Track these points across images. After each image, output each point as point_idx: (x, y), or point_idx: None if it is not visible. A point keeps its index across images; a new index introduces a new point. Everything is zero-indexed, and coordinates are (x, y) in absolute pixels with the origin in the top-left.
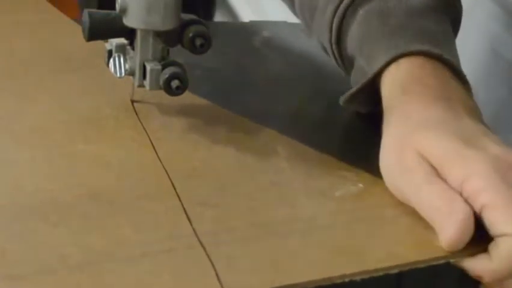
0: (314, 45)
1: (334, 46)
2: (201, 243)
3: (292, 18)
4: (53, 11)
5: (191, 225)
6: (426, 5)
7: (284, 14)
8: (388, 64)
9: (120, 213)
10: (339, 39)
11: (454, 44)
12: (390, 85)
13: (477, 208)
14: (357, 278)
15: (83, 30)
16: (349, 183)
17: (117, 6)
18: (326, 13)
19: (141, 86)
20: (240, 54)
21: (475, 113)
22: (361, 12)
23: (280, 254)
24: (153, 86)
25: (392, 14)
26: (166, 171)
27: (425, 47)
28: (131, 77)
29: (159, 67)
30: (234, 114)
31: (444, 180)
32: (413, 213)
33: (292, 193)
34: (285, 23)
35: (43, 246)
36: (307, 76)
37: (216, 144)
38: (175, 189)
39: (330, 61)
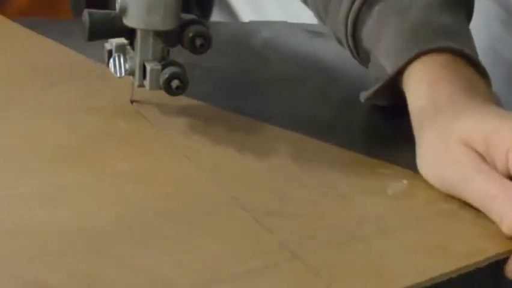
0: (314, 45)
1: (350, 39)
2: (295, 254)
3: (292, 18)
4: (11, 25)
5: (274, 237)
6: (443, 0)
7: (284, 14)
8: (411, 61)
9: (197, 231)
10: (355, 33)
11: (471, 38)
12: (415, 83)
13: None
14: (454, 275)
15: (83, 30)
16: (393, 180)
17: (117, 6)
18: (341, 9)
19: (141, 86)
20: (240, 54)
21: (499, 103)
22: (377, 8)
23: (372, 259)
24: (153, 86)
25: (411, 10)
26: (214, 182)
27: (447, 44)
28: (131, 77)
29: (159, 67)
30: (250, 117)
31: (492, 160)
32: (468, 205)
33: (346, 194)
34: (285, 23)
35: (143, 271)
36: (308, 76)
37: (246, 150)
38: (235, 200)
39: (330, 61)
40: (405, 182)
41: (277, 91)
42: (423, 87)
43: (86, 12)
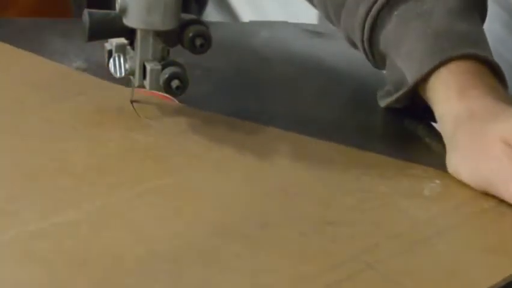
0: (314, 45)
1: (366, 43)
2: (369, 264)
3: (292, 18)
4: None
5: (340, 247)
6: (463, 6)
7: (284, 14)
8: (436, 68)
9: (264, 247)
10: (371, 37)
11: (488, 43)
12: (443, 89)
13: None
14: None
15: (83, 30)
16: (426, 180)
17: (117, 6)
18: (358, 13)
19: (141, 86)
20: (239, 54)
21: None
22: (396, 13)
23: (444, 262)
24: (153, 86)
25: (432, 15)
26: (255, 193)
27: (471, 51)
28: (131, 78)
29: (159, 67)
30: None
31: None
32: (506, 202)
33: (388, 198)
34: (285, 23)
35: None
36: (308, 76)
37: (267, 156)
38: (286, 211)
39: (330, 61)
40: (438, 182)
41: (277, 91)
42: (452, 94)
43: (86, 12)
